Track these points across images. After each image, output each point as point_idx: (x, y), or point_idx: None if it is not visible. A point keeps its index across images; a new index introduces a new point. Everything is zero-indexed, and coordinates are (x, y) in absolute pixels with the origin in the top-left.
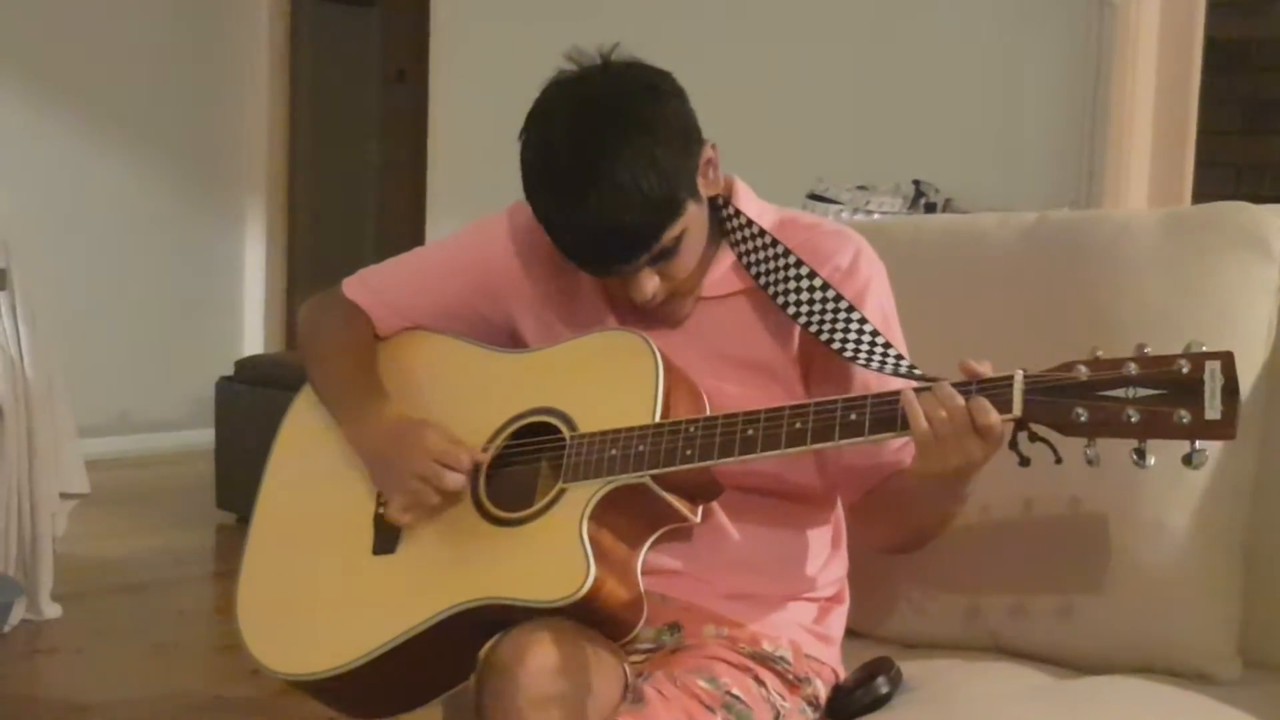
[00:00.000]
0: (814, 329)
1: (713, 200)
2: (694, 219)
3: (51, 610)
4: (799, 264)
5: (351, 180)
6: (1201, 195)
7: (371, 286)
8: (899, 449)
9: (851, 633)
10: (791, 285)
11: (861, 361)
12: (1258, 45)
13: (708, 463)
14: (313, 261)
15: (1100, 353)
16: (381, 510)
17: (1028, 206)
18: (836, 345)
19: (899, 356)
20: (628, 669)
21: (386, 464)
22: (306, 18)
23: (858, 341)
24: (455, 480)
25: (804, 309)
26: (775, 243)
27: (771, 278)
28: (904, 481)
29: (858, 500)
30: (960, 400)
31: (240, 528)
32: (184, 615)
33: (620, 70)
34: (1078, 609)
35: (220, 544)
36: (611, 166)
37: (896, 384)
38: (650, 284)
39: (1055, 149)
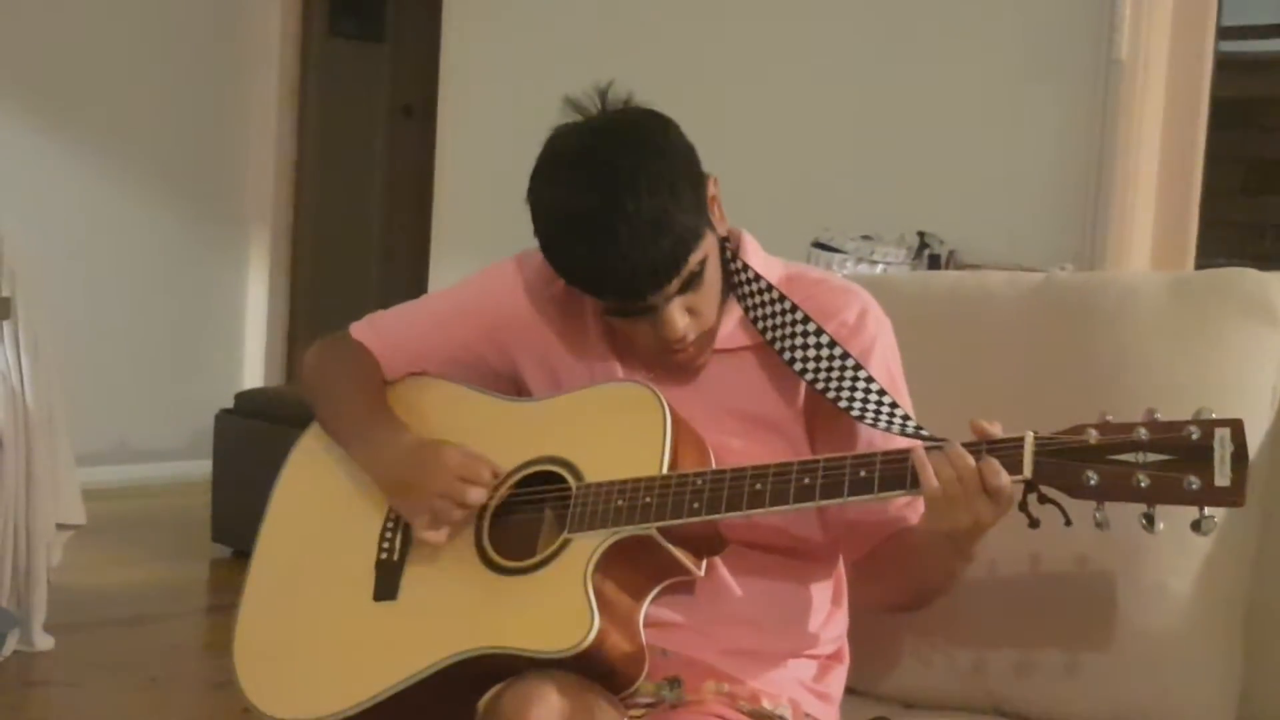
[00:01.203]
0: (820, 386)
1: (721, 249)
2: (711, 248)
3: (44, 642)
4: (806, 320)
5: (357, 215)
6: (1204, 254)
7: (379, 330)
8: (904, 507)
9: (850, 690)
10: (799, 341)
11: (869, 421)
12: (1260, 105)
13: (715, 516)
14: (315, 296)
15: (1110, 417)
16: (384, 555)
17: (1031, 261)
18: (844, 404)
19: (905, 416)
20: None
21: (406, 487)
22: (316, 52)
23: (865, 400)
24: (477, 495)
25: (810, 365)
26: (782, 298)
27: (778, 333)
28: (910, 539)
29: (861, 558)
30: (970, 460)
31: (235, 562)
32: (177, 650)
33: (617, 104)
34: (1078, 671)
35: (215, 578)
36: (635, 197)
37: (903, 443)
38: (682, 319)
39: (1059, 204)
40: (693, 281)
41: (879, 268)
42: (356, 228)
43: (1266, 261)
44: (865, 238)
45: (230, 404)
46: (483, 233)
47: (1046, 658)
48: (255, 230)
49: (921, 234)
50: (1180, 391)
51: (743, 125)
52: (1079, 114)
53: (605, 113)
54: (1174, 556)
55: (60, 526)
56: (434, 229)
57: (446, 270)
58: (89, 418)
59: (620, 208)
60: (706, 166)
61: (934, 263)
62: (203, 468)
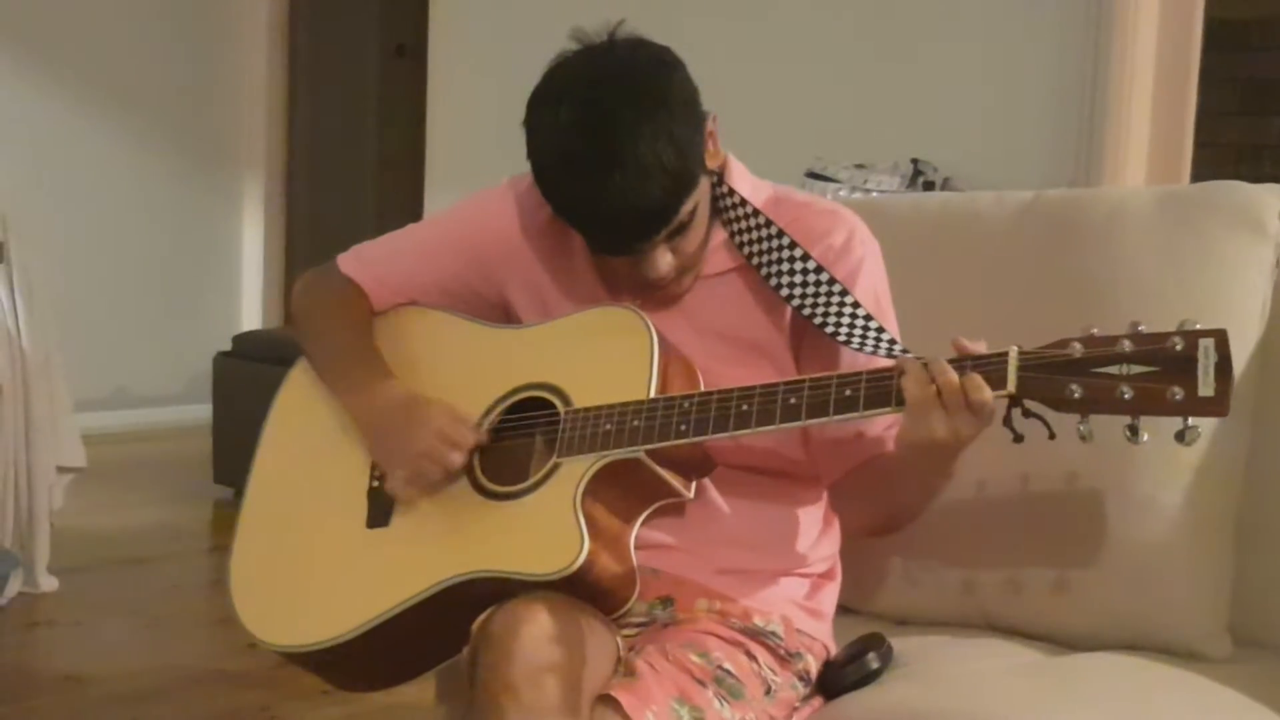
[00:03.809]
0: (806, 311)
1: (709, 175)
2: (704, 192)
3: (48, 583)
4: (792, 245)
5: (350, 155)
6: (1200, 176)
7: (366, 262)
8: (885, 429)
9: (843, 608)
10: (785, 266)
11: (855, 345)
12: (1257, 26)
13: (702, 438)
14: (311, 237)
15: (1095, 330)
16: (376, 484)
17: (1026, 186)
18: (829, 328)
19: (891, 340)
20: (620, 642)
21: (389, 439)
22: None
23: (851, 324)
24: (457, 458)
25: (796, 290)
26: (769, 223)
27: (763, 258)
28: (888, 461)
29: (839, 480)
30: (954, 375)
31: (238, 502)
32: (180, 589)
33: (625, 47)
34: (1069, 585)
35: (217, 519)
36: (633, 145)
37: (887, 364)
38: (665, 261)
39: (1054, 129)
40: (679, 230)
41: (872, 196)
42: (350, 168)
43: (1265, 182)
44: (859, 166)
45: (228, 346)
46: (476, 170)
47: (1038, 574)
48: (249, 172)
49: (915, 161)
50: (1169, 304)
51: (736, 54)
52: (1072, 37)
53: (613, 49)
54: (1164, 471)
55: (61, 469)
56: (428, 168)
57: (441, 209)
58: (88, 364)
59: (616, 157)
60: (700, 95)
61: (928, 190)
62: (202, 411)
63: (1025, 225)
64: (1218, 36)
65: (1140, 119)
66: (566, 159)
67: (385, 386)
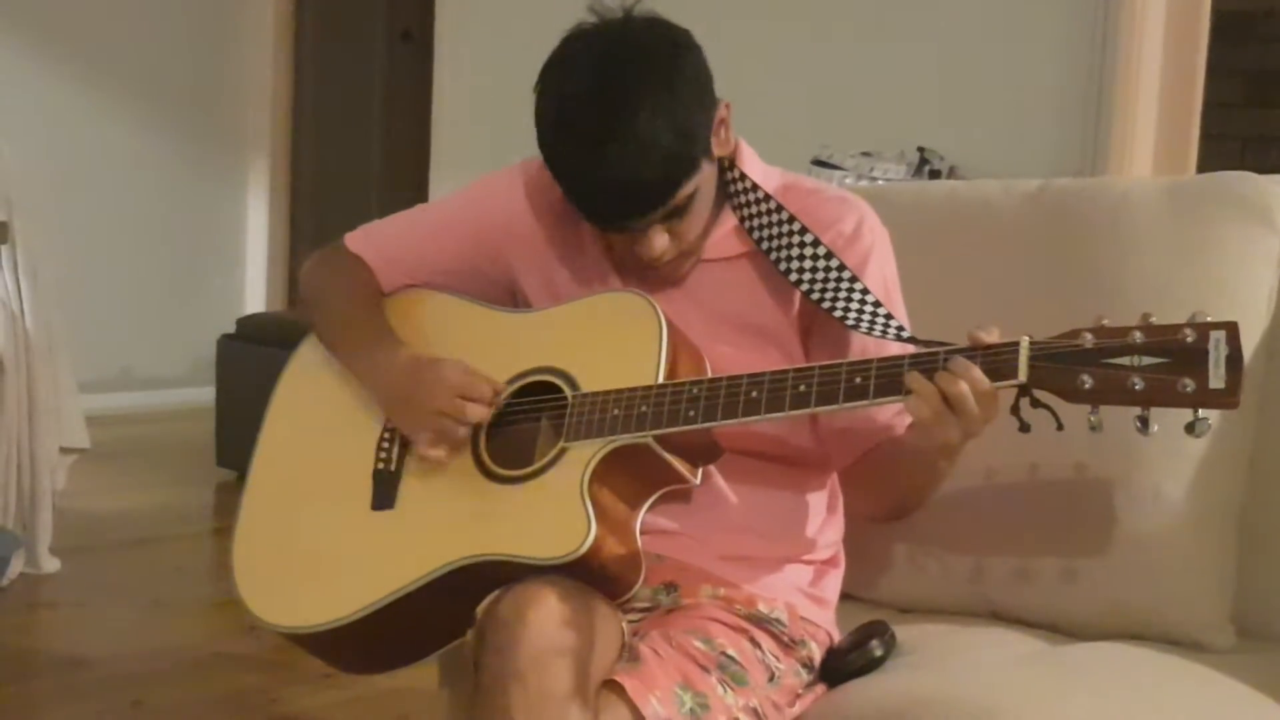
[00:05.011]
0: (815, 296)
1: (718, 162)
2: (706, 178)
3: (50, 564)
4: (803, 231)
5: (355, 139)
6: (1206, 167)
7: (374, 242)
8: (894, 415)
9: (846, 596)
10: (795, 252)
11: (863, 330)
12: (1263, 17)
13: (710, 424)
14: (315, 220)
15: (1105, 321)
16: (381, 465)
17: (1032, 175)
18: (838, 313)
19: (900, 327)
20: (625, 628)
21: (406, 403)
22: None
23: (859, 310)
24: (478, 412)
25: (805, 276)
26: (779, 208)
27: (774, 243)
28: (897, 446)
29: (849, 465)
30: (963, 386)
31: (240, 485)
32: (183, 571)
33: (641, 24)
34: (1073, 575)
35: (220, 501)
36: (631, 120)
37: (895, 349)
38: (660, 242)
39: (1060, 118)
40: (676, 213)
41: (878, 184)
42: (356, 152)
43: (1271, 174)
44: (865, 154)
45: (232, 329)
46: (481, 156)
47: (1044, 564)
48: (254, 156)
49: (921, 150)
50: (1177, 295)
51: (744, 41)
52: (1080, 27)
53: (628, 25)
54: (1170, 461)
55: (64, 450)
56: (433, 153)
57: (446, 193)
58: (92, 346)
59: (614, 129)
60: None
61: (934, 178)
62: (206, 394)
63: (1031, 214)
64: (1225, 28)
65: (1147, 109)
66: (564, 128)
67: (395, 354)
